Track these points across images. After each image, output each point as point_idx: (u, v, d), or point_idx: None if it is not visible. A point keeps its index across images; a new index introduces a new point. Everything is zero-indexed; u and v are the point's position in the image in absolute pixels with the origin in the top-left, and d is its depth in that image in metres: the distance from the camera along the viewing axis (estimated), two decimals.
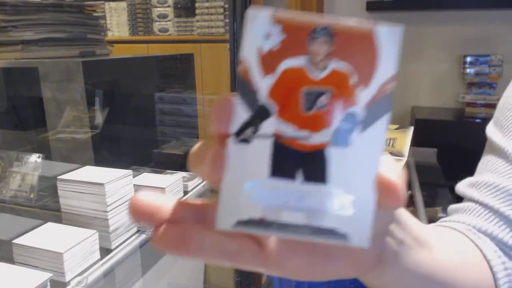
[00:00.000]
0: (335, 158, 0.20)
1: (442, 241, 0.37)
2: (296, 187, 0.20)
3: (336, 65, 0.19)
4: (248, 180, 0.20)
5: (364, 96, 0.20)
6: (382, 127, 0.20)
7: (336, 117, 0.20)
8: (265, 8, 0.19)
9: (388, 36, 0.19)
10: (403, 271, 0.29)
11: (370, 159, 0.20)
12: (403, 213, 0.29)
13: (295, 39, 0.19)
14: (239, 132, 0.20)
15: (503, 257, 0.42)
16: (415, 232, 0.30)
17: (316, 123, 0.20)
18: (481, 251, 0.42)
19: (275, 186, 0.20)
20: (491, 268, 0.41)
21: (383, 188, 0.20)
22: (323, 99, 0.20)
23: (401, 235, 0.28)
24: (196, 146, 0.21)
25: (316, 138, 0.20)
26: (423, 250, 0.31)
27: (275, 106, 0.20)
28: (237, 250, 0.22)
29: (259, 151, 0.20)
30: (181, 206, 0.22)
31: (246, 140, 0.20)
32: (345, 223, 0.20)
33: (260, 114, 0.20)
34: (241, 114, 0.19)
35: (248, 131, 0.20)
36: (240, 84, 0.19)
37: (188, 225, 0.22)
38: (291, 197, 0.20)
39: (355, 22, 0.19)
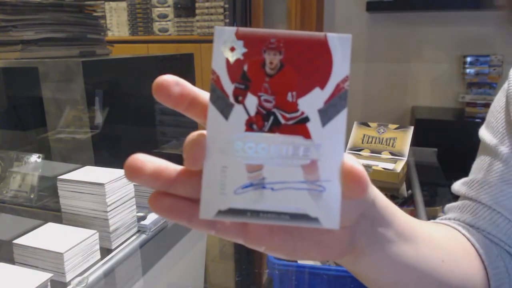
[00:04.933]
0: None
1: (433, 237, 0.39)
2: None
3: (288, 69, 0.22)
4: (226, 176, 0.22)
5: (322, 95, 0.22)
6: (341, 121, 0.22)
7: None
8: (229, 27, 0.22)
9: (341, 42, 0.22)
10: (382, 261, 0.32)
11: (334, 150, 0.22)
12: (389, 211, 0.31)
13: (254, 50, 0.22)
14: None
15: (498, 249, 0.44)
16: (399, 227, 0.32)
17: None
18: (473, 245, 0.44)
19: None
20: (482, 260, 0.42)
21: (348, 176, 0.22)
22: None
23: (382, 230, 0.31)
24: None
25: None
26: (406, 244, 0.33)
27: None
28: (222, 225, 0.25)
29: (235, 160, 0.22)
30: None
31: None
32: (315, 208, 0.22)
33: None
34: (215, 117, 0.22)
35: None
36: (213, 90, 0.22)
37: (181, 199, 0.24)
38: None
39: (308, 33, 0.22)
